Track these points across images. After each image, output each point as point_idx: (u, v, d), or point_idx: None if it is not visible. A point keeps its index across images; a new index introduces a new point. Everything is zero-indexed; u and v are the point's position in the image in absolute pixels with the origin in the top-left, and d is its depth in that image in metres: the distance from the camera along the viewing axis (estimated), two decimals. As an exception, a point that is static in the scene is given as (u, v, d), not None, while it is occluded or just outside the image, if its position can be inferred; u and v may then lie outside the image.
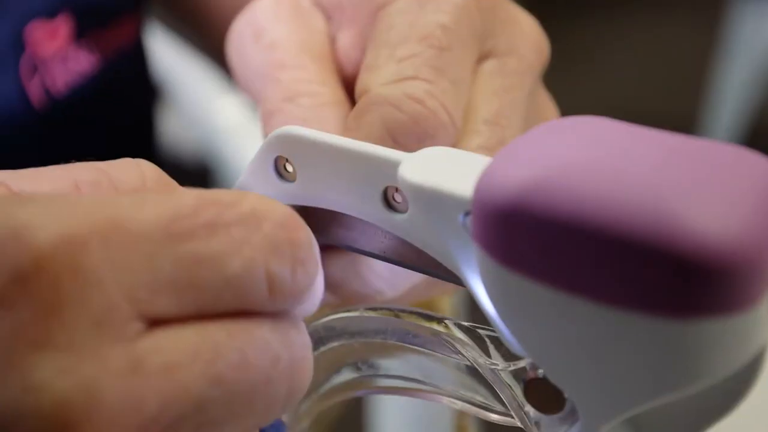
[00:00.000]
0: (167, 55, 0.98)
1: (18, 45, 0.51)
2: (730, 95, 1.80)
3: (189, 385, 0.22)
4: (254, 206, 0.24)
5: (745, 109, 1.80)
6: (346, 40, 0.35)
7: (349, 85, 0.35)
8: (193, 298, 0.23)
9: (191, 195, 0.24)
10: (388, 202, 0.29)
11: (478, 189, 0.24)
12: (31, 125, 0.52)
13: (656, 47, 2.18)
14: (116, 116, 0.60)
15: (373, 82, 0.32)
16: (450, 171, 0.27)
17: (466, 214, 0.26)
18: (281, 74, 0.34)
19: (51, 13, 0.52)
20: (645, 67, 2.11)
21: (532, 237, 0.23)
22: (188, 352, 0.23)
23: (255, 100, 0.36)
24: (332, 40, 0.36)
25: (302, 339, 0.25)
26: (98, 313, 0.22)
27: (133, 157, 0.28)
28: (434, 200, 0.27)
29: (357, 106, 0.32)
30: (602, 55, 2.02)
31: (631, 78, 2.04)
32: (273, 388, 0.24)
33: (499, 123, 0.33)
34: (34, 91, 0.52)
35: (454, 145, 0.32)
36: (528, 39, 0.35)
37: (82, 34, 0.54)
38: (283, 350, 0.24)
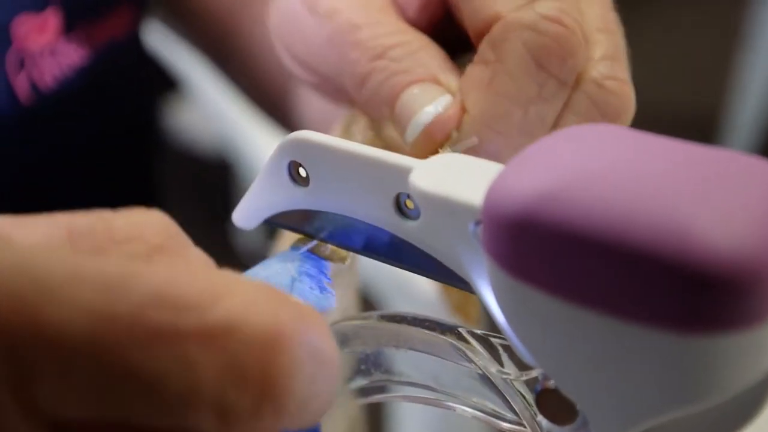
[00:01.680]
0: (185, 49, 0.98)
1: (4, 39, 0.50)
2: (751, 90, 1.78)
3: None
4: (229, 314, 0.19)
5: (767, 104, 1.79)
6: None
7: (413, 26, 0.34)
8: (114, 412, 0.19)
9: (149, 286, 0.19)
10: (400, 209, 0.28)
11: (488, 198, 0.24)
12: (18, 121, 0.51)
13: (677, 42, 2.16)
14: (110, 109, 0.59)
15: (501, 7, 0.31)
16: (461, 179, 0.27)
17: (477, 223, 0.26)
18: (358, 35, 0.33)
19: (39, 7, 0.51)
20: (665, 63, 2.09)
21: (541, 248, 0.23)
22: None
23: (322, 75, 0.35)
24: None
25: None
26: None
27: (133, 149, 0.26)
28: (445, 208, 0.26)
29: (491, 35, 0.31)
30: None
31: (651, 73, 2.03)
32: None
33: (609, 28, 0.33)
34: (21, 86, 0.51)
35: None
36: None
37: (71, 27, 0.53)
38: None
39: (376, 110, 0.33)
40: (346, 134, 0.36)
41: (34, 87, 0.51)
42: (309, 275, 0.30)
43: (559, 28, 0.30)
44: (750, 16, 1.80)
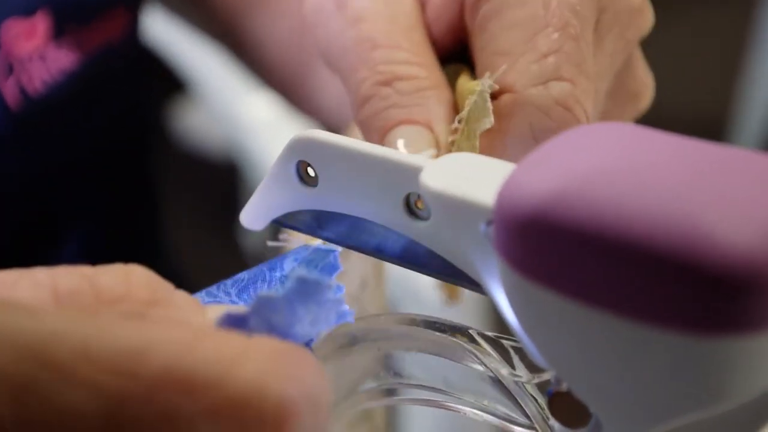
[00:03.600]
0: (194, 51, 0.98)
1: None
2: (759, 94, 1.77)
3: None
4: (240, 391, 0.19)
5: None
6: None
7: (439, 44, 0.34)
8: None
9: (159, 363, 0.19)
10: (410, 209, 0.28)
11: (500, 198, 0.24)
12: (6, 126, 0.51)
13: (684, 45, 2.16)
14: (104, 114, 0.58)
15: (517, 80, 0.31)
16: (472, 178, 0.26)
17: (488, 223, 0.25)
18: (373, 54, 0.32)
19: (29, 11, 0.51)
20: (673, 66, 2.09)
21: (555, 248, 0.22)
22: None
23: (341, 76, 0.35)
24: (422, 5, 0.34)
25: None
26: None
27: (130, 154, 0.26)
28: (456, 208, 0.26)
29: (502, 105, 0.31)
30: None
31: (658, 76, 2.03)
32: None
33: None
34: (10, 91, 0.50)
35: None
36: (632, 10, 0.34)
37: (61, 31, 0.52)
38: None
39: (367, 133, 0.33)
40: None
41: (23, 92, 0.51)
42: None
43: (568, 116, 0.30)
44: (758, 18, 1.80)
